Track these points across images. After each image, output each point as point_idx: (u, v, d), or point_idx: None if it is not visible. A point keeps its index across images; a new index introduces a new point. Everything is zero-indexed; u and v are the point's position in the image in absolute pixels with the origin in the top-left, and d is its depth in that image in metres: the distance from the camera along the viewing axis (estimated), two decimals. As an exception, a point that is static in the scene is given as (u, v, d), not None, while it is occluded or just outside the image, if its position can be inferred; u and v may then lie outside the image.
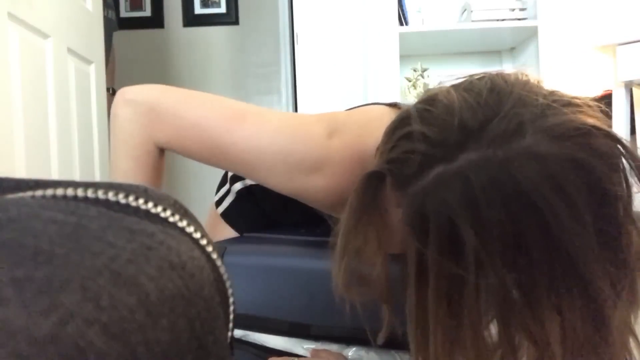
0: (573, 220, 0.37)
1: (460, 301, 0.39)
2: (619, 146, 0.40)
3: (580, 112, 0.40)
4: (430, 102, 0.45)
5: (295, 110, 2.37)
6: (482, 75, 0.48)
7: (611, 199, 0.38)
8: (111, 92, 2.16)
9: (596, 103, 0.43)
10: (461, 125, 0.40)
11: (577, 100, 0.42)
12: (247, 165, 0.61)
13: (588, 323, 0.38)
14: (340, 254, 0.45)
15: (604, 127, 0.40)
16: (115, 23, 2.28)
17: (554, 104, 0.41)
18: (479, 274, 0.37)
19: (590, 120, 0.39)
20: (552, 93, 0.43)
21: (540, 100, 0.41)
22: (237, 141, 0.60)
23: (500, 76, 0.46)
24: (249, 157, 0.60)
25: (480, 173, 0.37)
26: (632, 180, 0.40)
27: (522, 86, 0.44)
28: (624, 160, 0.40)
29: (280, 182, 0.59)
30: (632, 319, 0.40)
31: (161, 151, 0.68)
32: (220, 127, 0.61)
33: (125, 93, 0.66)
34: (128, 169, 0.67)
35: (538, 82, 0.46)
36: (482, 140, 0.39)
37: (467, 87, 0.45)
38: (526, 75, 0.47)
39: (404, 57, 1.85)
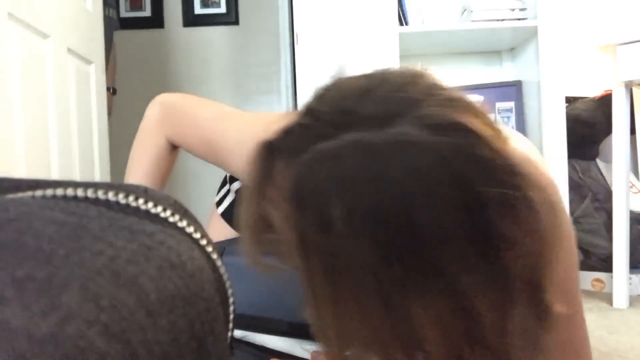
0: (434, 218, 0.36)
1: (340, 280, 0.38)
2: (486, 149, 0.38)
3: (458, 109, 0.40)
4: (331, 83, 0.46)
5: (295, 110, 2.37)
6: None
7: (482, 203, 0.36)
8: (112, 91, 2.16)
9: (481, 105, 0.43)
10: (345, 106, 0.41)
11: (458, 99, 0.42)
12: (230, 154, 0.72)
13: (456, 319, 0.37)
14: (243, 225, 0.45)
15: (477, 128, 0.38)
16: (117, 22, 2.28)
17: (433, 97, 0.40)
18: (349, 253, 0.37)
19: (465, 119, 0.39)
20: (434, 86, 0.43)
21: (420, 90, 0.41)
22: (224, 133, 0.73)
23: (397, 68, 0.46)
24: (232, 146, 0.71)
25: (352, 153, 0.37)
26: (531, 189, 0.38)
27: (409, 77, 0.44)
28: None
29: None
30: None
31: (173, 147, 0.81)
32: (213, 124, 0.75)
33: (159, 97, 0.84)
34: (135, 156, 0.82)
35: (427, 75, 0.45)
36: (361, 123, 0.39)
37: (365, 74, 0.45)
38: (420, 70, 0.46)
39: (404, 57, 1.85)
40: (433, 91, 0.41)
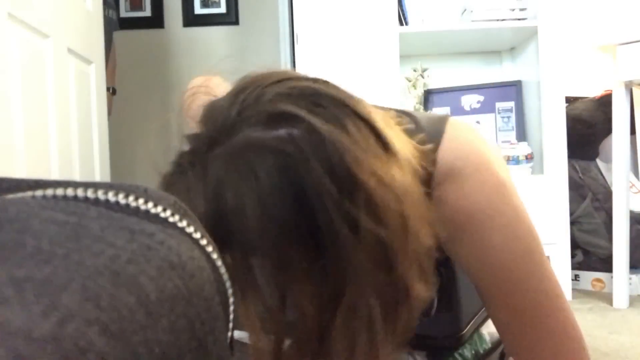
0: (263, 222, 0.37)
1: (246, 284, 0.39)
2: (316, 137, 0.38)
3: (293, 99, 0.40)
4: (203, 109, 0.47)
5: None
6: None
7: (314, 206, 0.37)
8: (111, 91, 2.16)
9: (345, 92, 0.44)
10: (197, 134, 0.43)
11: (299, 90, 0.42)
12: None
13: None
14: None
15: (312, 119, 0.39)
16: (116, 22, 2.28)
17: (270, 90, 0.41)
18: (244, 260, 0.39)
19: (300, 112, 0.39)
20: (276, 82, 0.43)
21: (259, 87, 0.42)
22: None
23: (253, 72, 0.47)
24: None
25: (215, 169, 0.39)
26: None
27: (251, 78, 0.45)
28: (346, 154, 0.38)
29: None
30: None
31: None
32: None
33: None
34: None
35: (272, 72, 0.46)
36: (209, 144, 0.40)
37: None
38: (267, 70, 0.47)
39: (404, 57, 1.85)
40: (269, 88, 0.42)
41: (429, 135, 0.54)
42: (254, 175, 0.37)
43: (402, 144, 0.45)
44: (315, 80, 0.46)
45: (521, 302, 0.55)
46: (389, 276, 0.39)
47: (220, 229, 0.37)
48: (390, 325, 0.40)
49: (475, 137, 0.59)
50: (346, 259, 0.37)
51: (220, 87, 0.62)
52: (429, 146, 0.52)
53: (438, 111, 2.05)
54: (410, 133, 0.50)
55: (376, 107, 0.56)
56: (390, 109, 0.58)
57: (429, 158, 0.52)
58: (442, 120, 0.59)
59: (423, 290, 0.41)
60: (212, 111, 0.43)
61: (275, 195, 0.37)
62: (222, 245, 0.36)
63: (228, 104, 0.42)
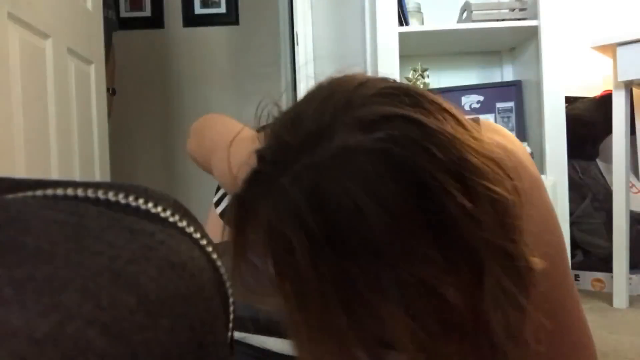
0: (389, 225, 0.35)
1: (309, 302, 0.38)
2: (424, 134, 0.37)
3: (387, 101, 0.39)
4: (274, 120, 0.45)
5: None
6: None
7: (437, 194, 0.36)
8: (111, 92, 2.16)
9: (424, 92, 0.43)
10: (282, 141, 0.40)
11: (387, 90, 0.41)
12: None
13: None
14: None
15: (415, 115, 0.38)
16: (116, 23, 2.28)
17: (358, 98, 0.40)
18: (312, 275, 0.37)
19: (395, 108, 0.38)
20: (361, 84, 0.42)
21: (344, 95, 0.40)
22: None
23: (322, 81, 0.45)
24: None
25: (297, 188, 0.37)
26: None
27: (333, 85, 0.43)
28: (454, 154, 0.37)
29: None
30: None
31: None
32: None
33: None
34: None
35: (351, 78, 0.44)
36: (298, 152, 0.38)
37: (297, 102, 0.45)
38: (345, 75, 0.46)
39: (404, 57, 1.85)
40: (358, 91, 0.41)
41: None
42: (364, 177, 0.36)
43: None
44: (392, 80, 0.45)
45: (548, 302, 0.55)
46: (512, 247, 0.38)
47: (335, 239, 0.35)
48: (524, 293, 0.39)
49: (507, 137, 0.60)
50: (475, 237, 0.36)
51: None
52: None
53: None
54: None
55: None
56: None
57: None
58: (475, 121, 0.59)
59: (539, 262, 0.40)
60: (299, 121, 0.40)
61: (393, 192, 0.35)
62: (342, 254, 0.35)
63: (318, 112, 0.40)
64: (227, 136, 0.73)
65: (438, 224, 0.36)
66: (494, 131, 0.59)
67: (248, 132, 0.68)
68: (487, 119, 2.04)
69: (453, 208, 0.36)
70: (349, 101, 0.39)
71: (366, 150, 0.36)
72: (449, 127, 0.38)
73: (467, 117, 0.63)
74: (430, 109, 0.39)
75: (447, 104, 0.42)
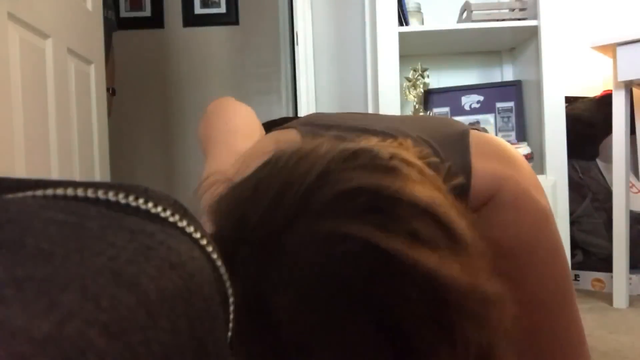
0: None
1: None
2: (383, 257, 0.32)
3: (345, 212, 0.34)
4: (227, 190, 0.39)
5: (295, 110, 2.38)
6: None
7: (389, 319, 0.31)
8: (111, 92, 2.16)
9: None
10: (235, 220, 0.36)
11: (350, 193, 0.34)
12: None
13: None
14: None
15: (372, 236, 0.32)
16: (115, 23, 2.28)
17: (315, 198, 0.34)
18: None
19: (349, 228, 0.33)
20: (320, 178, 0.35)
21: (299, 193, 0.35)
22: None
23: (283, 152, 0.39)
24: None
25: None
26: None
27: (286, 172, 0.37)
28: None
29: None
30: None
31: None
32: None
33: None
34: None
35: (311, 158, 0.37)
36: (251, 242, 0.34)
37: (255, 175, 0.39)
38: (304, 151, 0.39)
39: (404, 57, 1.85)
40: (313, 194, 0.34)
41: (455, 165, 0.49)
42: (323, 309, 0.32)
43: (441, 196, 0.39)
44: (356, 156, 0.38)
45: (545, 343, 0.52)
46: None
47: None
48: None
49: (508, 161, 0.54)
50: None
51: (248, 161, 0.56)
52: (460, 180, 0.46)
53: (438, 111, 2.05)
54: (435, 167, 0.43)
55: (394, 128, 0.53)
56: (407, 135, 0.52)
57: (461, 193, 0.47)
58: (463, 144, 0.53)
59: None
60: (244, 217, 0.35)
61: (344, 322, 0.32)
62: None
63: (268, 208, 0.35)
64: (227, 135, 0.73)
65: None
66: (490, 155, 0.53)
67: (245, 133, 0.68)
68: (487, 119, 2.04)
69: (418, 343, 0.32)
70: (304, 206, 0.34)
71: (323, 275, 0.32)
72: (421, 250, 0.33)
73: (468, 124, 0.60)
74: (406, 221, 0.34)
75: (433, 203, 0.35)
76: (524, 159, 0.57)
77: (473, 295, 0.33)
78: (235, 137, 0.75)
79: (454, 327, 0.32)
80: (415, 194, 0.35)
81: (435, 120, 0.77)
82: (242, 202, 0.36)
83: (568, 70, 1.95)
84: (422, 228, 0.34)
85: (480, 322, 0.33)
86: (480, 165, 0.52)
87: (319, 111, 1.96)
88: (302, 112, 1.96)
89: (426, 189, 0.36)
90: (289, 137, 0.60)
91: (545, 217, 0.52)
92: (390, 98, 1.78)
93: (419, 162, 0.39)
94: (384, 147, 0.39)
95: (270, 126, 0.75)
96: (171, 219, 0.22)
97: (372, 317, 0.32)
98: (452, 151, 0.52)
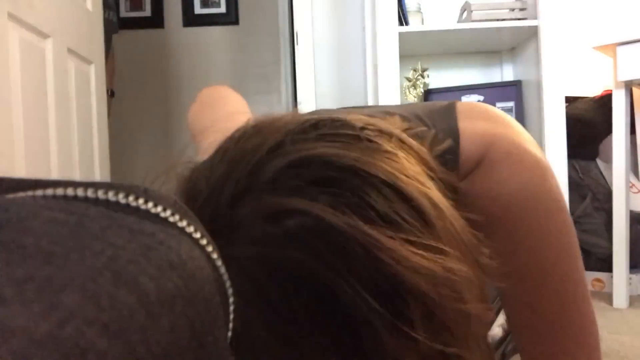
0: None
1: None
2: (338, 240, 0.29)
3: (296, 185, 0.31)
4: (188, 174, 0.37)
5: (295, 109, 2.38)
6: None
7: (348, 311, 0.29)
8: (110, 93, 2.15)
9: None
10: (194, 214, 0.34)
11: (302, 161, 0.32)
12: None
13: None
14: None
15: (311, 209, 0.30)
16: (116, 25, 2.27)
17: (266, 168, 0.32)
18: None
19: (295, 203, 0.30)
20: (276, 149, 0.33)
21: (249, 167, 0.32)
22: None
23: (230, 137, 0.37)
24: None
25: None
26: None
27: (243, 140, 0.35)
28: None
29: None
30: None
31: None
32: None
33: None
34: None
35: (266, 130, 0.35)
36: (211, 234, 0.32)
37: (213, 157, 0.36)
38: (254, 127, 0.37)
39: (404, 57, 1.85)
40: (264, 166, 0.32)
41: (442, 131, 0.47)
42: (266, 298, 0.30)
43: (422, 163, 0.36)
44: (317, 127, 0.35)
45: (549, 306, 0.48)
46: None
47: None
48: None
49: (496, 120, 0.51)
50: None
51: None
52: (448, 144, 0.44)
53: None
54: (421, 137, 0.41)
55: (382, 111, 0.51)
56: (394, 114, 0.50)
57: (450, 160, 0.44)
58: (449, 112, 0.51)
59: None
60: (195, 193, 0.34)
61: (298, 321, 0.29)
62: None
63: (217, 183, 0.33)
64: (227, 123, 0.71)
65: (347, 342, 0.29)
66: (477, 117, 0.50)
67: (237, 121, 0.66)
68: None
69: (375, 348, 0.29)
70: (254, 176, 0.32)
71: (269, 257, 0.30)
72: (375, 229, 0.29)
73: (443, 103, 0.54)
74: (360, 194, 0.30)
75: (394, 173, 0.32)
76: (513, 119, 0.54)
77: (432, 285, 0.30)
78: (230, 122, 0.72)
79: (408, 321, 0.29)
80: (377, 163, 0.32)
81: (422, 103, 0.74)
82: (196, 180, 0.35)
83: (568, 70, 1.95)
84: (379, 203, 0.30)
85: (442, 322, 0.30)
86: (468, 126, 0.49)
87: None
88: (302, 111, 1.96)
89: (401, 161, 0.33)
90: None
91: (543, 168, 0.48)
92: (390, 98, 1.78)
93: (397, 132, 0.36)
94: (362, 119, 0.37)
95: None
96: (171, 219, 0.22)
97: (319, 305, 0.29)
98: (439, 119, 0.50)
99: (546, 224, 0.48)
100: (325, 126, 0.35)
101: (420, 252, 0.30)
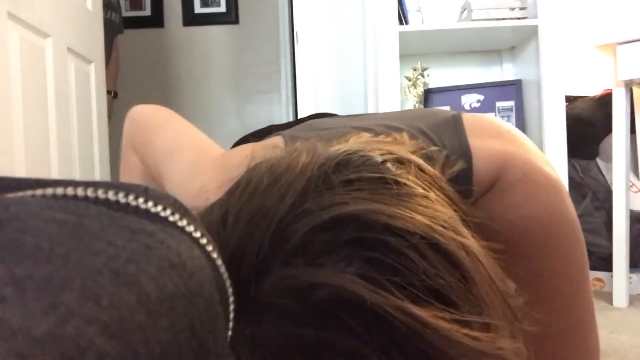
0: None
1: None
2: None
3: (326, 258, 0.28)
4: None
5: (295, 109, 2.38)
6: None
7: None
8: (113, 95, 2.15)
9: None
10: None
11: (333, 223, 0.28)
12: (172, 190, 0.63)
13: None
14: None
15: (358, 289, 0.26)
16: (120, 25, 2.26)
17: (289, 229, 0.29)
18: None
19: (335, 279, 0.27)
20: (295, 207, 0.30)
21: (273, 224, 0.29)
22: (170, 169, 0.66)
23: (255, 173, 0.33)
24: (174, 185, 0.63)
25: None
26: None
27: (261, 192, 0.31)
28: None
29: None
30: None
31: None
32: (164, 156, 0.67)
33: (132, 110, 0.81)
34: (124, 176, 0.79)
35: (287, 180, 0.31)
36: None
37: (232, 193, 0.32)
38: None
39: (404, 57, 1.85)
40: (289, 225, 0.29)
41: (453, 150, 0.46)
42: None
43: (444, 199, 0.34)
44: (338, 169, 0.31)
45: (559, 328, 0.47)
46: None
47: None
48: None
49: (507, 137, 0.49)
50: None
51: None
52: (460, 165, 0.42)
53: (438, 110, 2.05)
54: (433, 157, 0.39)
55: (384, 125, 0.49)
56: (400, 129, 0.48)
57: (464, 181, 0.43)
58: (456, 127, 0.49)
59: None
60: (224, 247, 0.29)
61: None
62: None
63: (236, 250, 0.29)
64: (194, 142, 0.64)
65: None
66: (488, 134, 0.49)
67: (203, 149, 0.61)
68: (487, 118, 2.04)
69: None
70: (275, 247, 0.28)
71: (292, 331, 0.27)
72: (409, 304, 0.27)
73: (446, 114, 0.52)
74: (393, 245, 0.28)
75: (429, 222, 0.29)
76: (521, 133, 0.52)
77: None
78: (208, 144, 0.66)
79: None
80: (413, 217, 0.29)
81: (422, 111, 0.71)
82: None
83: (568, 70, 1.95)
84: (420, 269, 0.28)
85: None
86: (479, 145, 0.47)
87: (319, 111, 1.96)
88: (302, 111, 1.96)
89: (433, 206, 0.31)
90: (269, 145, 0.54)
91: (559, 190, 0.46)
92: (390, 97, 1.78)
93: (414, 158, 0.35)
94: (375, 146, 0.34)
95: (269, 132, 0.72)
96: (171, 218, 0.22)
97: None
98: (446, 135, 0.49)
99: (567, 248, 0.46)
100: (346, 167, 0.31)
101: (470, 333, 0.27)
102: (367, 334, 0.26)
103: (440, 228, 0.29)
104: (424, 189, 0.32)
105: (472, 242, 0.31)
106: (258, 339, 0.26)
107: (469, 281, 0.29)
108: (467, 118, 0.52)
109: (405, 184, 0.31)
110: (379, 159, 0.33)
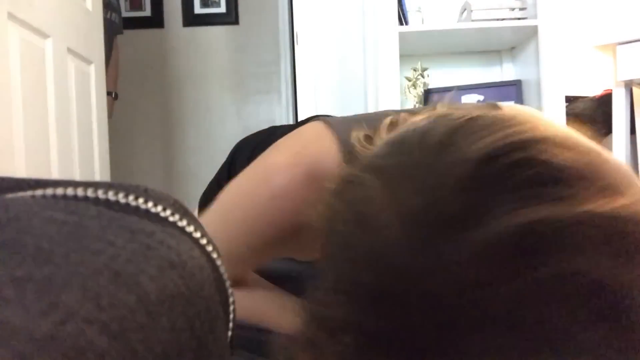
0: None
1: None
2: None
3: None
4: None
5: (295, 109, 2.38)
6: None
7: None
8: (113, 96, 2.15)
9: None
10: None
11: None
12: None
13: None
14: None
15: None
16: (120, 26, 2.26)
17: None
18: None
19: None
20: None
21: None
22: None
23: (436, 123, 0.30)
24: None
25: None
26: None
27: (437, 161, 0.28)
28: None
29: None
30: None
31: None
32: None
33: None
34: None
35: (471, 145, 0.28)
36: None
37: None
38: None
39: (404, 57, 1.85)
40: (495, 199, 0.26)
41: None
42: None
43: None
44: (509, 174, 0.27)
45: None
46: None
47: None
48: None
49: (589, 145, 0.42)
50: None
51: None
52: None
53: (438, 111, 2.05)
54: None
55: None
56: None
57: None
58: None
59: None
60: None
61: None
62: None
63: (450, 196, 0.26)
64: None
65: None
66: (564, 145, 0.34)
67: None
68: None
69: None
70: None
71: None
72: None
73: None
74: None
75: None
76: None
77: None
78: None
79: None
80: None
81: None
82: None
83: (568, 70, 1.95)
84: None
85: None
86: (557, 154, 0.38)
87: (319, 112, 1.96)
88: (302, 112, 1.96)
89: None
90: (322, 148, 0.50)
91: None
92: (390, 98, 1.78)
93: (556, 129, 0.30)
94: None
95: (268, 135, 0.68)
96: (171, 219, 0.22)
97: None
98: None
99: None
100: (517, 169, 0.27)
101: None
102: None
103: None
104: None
105: None
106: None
107: None
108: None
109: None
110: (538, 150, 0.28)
